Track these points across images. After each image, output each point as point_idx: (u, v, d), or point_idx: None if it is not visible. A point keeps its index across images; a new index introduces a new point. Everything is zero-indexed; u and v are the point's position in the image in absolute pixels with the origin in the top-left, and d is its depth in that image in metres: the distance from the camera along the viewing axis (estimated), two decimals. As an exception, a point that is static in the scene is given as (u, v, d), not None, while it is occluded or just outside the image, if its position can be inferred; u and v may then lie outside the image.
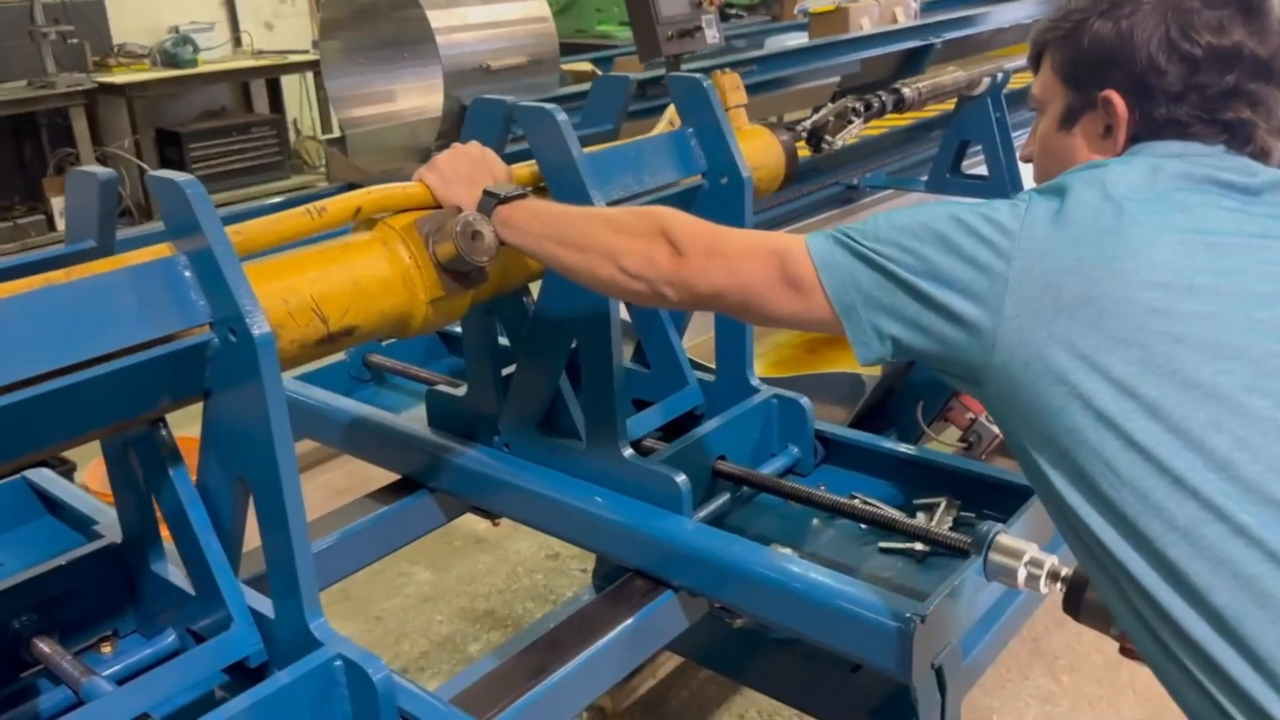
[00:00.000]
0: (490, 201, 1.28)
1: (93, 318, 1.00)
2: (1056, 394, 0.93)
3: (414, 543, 1.84)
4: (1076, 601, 1.20)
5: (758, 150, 1.76)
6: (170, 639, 1.28)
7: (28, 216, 6.05)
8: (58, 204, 6.11)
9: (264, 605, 1.19)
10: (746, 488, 1.63)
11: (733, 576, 1.38)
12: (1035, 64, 1.19)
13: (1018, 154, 1.22)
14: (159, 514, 1.26)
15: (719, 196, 1.64)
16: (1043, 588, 1.26)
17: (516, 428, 1.64)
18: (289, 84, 7.40)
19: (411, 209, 1.33)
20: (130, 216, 6.37)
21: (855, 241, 1.05)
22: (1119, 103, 1.07)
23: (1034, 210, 0.99)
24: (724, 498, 1.61)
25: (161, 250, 1.09)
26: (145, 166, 6.34)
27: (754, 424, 1.70)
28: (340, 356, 2.10)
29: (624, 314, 1.57)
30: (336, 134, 6.86)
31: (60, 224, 6.11)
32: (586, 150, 1.45)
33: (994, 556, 1.28)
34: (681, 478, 1.48)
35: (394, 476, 1.81)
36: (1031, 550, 1.27)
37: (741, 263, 1.10)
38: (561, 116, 1.43)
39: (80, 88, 5.91)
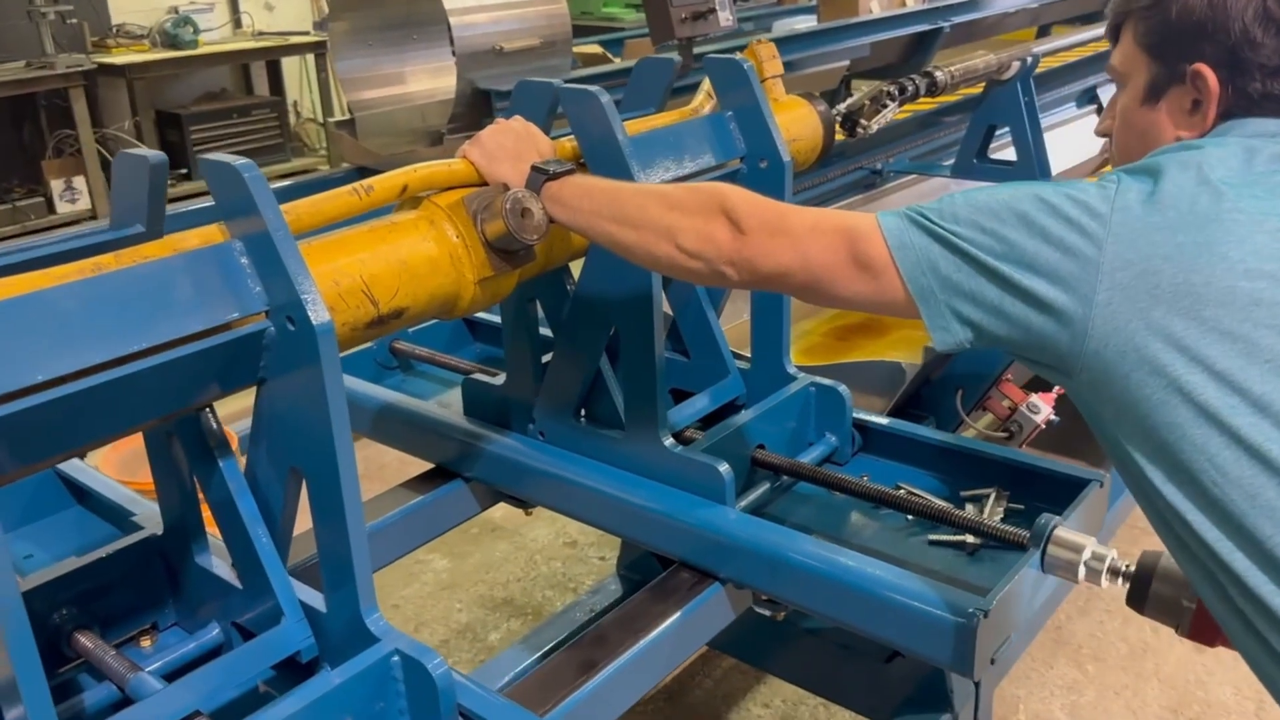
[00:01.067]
0: (539, 178, 1.25)
1: (148, 306, 0.97)
2: (1155, 386, 0.90)
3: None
4: (1142, 596, 1.18)
5: (796, 122, 1.73)
6: (214, 633, 1.26)
7: (27, 199, 6.00)
8: (57, 186, 6.06)
9: (313, 598, 1.17)
10: (785, 477, 1.61)
11: (784, 569, 1.36)
12: (1114, 35, 1.14)
13: (1095, 128, 1.19)
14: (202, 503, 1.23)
15: (758, 180, 1.61)
16: (1104, 583, 1.24)
17: (553, 416, 1.62)
18: (289, 66, 7.34)
19: (457, 186, 1.30)
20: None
21: (931, 221, 1.01)
22: (1210, 77, 1.03)
23: (1125, 192, 0.95)
24: (764, 487, 1.59)
25: (213, 234, 1.06)
26: (144, 146, 6.28)
27: (791, 412, 1.68)
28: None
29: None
30: (338, 116, 6.82)
31: (60, 206, 6.07)
32: (630, 133, 1.43)
33: (1053, 550, 1.26)
34: (725, 467, 1.46)
35: (409, 463, 1.79)
36: (1091, 544, 1.25)
37: (808, 241, 1.06)
38: (605, 98, 1.40)
39: (80, 69, 5.84)
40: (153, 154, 1.08)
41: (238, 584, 1.20)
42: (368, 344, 1.90)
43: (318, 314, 1.01)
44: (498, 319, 2.17)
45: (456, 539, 3.01)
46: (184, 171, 6.40)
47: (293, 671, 1.17)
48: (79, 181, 6.09)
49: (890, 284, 1.02)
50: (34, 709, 0.88)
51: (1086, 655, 2.55)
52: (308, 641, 1.15)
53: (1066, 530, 1.27)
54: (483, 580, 2.91)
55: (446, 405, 1.85)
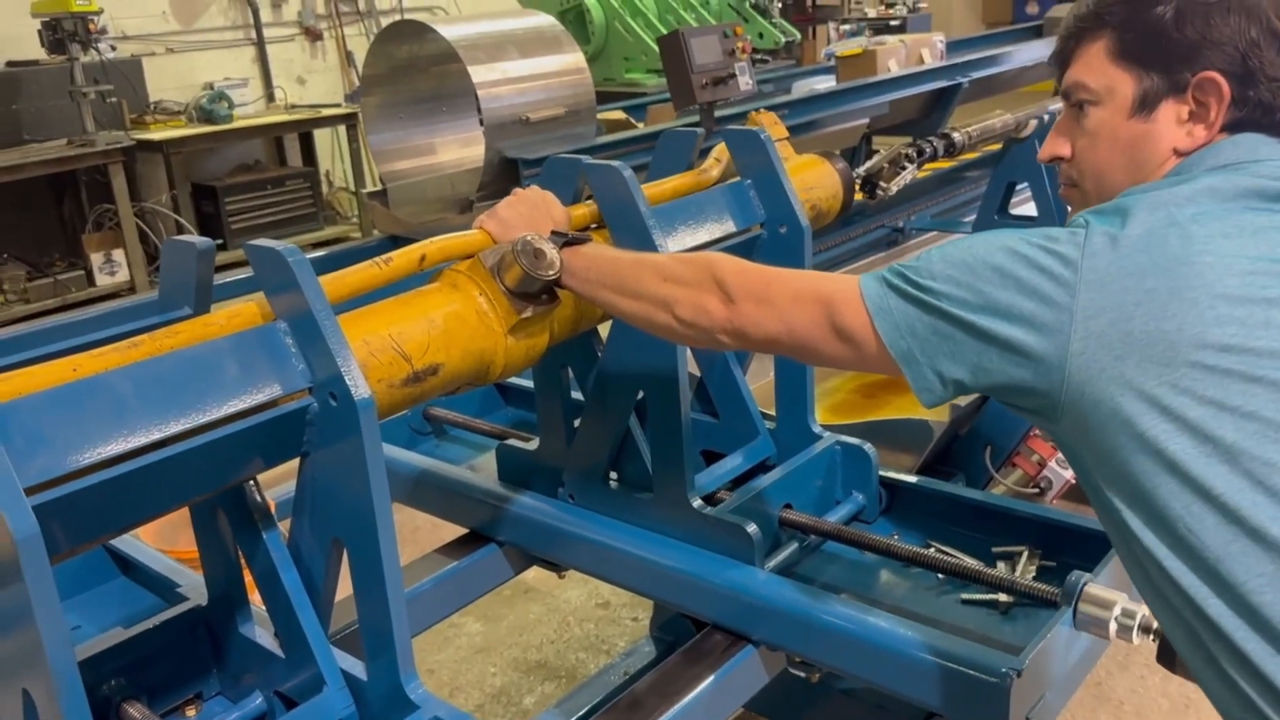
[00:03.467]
0: None
1: (198, 387, 1.01)
2: (1128, 437, 0.91)
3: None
4: (1171, 654, 1.18)
5: (815, 178, 1.77)
6: (257, 701, 1.28)
7: (68, 272, 6.15)
8: (97, 259, 6.21)
9: (354, 666, 1.19)
10: (813, 536, 1.63)
11: (815, 630, 1.37)
12: (1067, 56, 1.11)
13: (1040, 155, 1.18)
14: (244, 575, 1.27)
15: (779, 245, 1.66)
16: (1135, 639, 1.25)
17: (583, 478, 1.65)
18: (321, 137, 7.51)
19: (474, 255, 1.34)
20: (167, 270, 6.44)
21: (909, 283, 1.02)
22: (1222, 84, 1.01)
23: (1094, 236, 0.95)
24: (792, 547, 1.60)
25: (252, 314, 1.11)
26: (183, 221, 6.45)
27: (818, 471, 1.70)
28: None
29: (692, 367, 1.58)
30: (369, 186, 6.97)
31: (100, 279, 6.21)
32: (652, 204, 1.47)
33: (1084, 607, 1.27)
34: (753, 528, 1.48)
35: (442, 526, 1.81)
36: (1122, 601, 1.26)
37: (791, 311, 1.09)
38: (628, 172, 1.45)
39: (119, 145, 6.02)
40: (200, 241, 1.13)
41: (280, 653, 1.23)
42: (405, 411, 1.94)
43: (359, 389, 1.05)
44: (529, 383, 2.22)
45: (490, 601, 3.02)
46: (220, 242, 6.54)
47: (335, 740, 1.19)
48: (118, 255, 6.24)
49: (871, 349, 1.04)
50: (90, 780, 0.91)
51: (1128, 712, 2.52)
52: (349, 710, 1.17)
53: (1098, 587, 1.28)
54: (516, 643, 2.92)
55: (479, 470, 1.88)
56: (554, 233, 1.32)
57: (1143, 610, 1.24)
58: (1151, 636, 1.23)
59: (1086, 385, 0.92)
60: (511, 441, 1.81)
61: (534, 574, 3.04)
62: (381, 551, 1.09)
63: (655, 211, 1.46)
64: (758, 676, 1.47)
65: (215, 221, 6.61)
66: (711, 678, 1.40)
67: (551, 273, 1.27)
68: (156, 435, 0.97)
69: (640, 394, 1.55)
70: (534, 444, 1.75)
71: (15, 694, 0.96)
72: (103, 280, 6.20)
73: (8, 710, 0.99)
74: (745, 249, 1.65)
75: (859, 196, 1.96)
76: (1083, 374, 0.92)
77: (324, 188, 7.50)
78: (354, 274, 1.21)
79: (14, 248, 6.20)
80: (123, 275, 6.26)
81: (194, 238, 1.13)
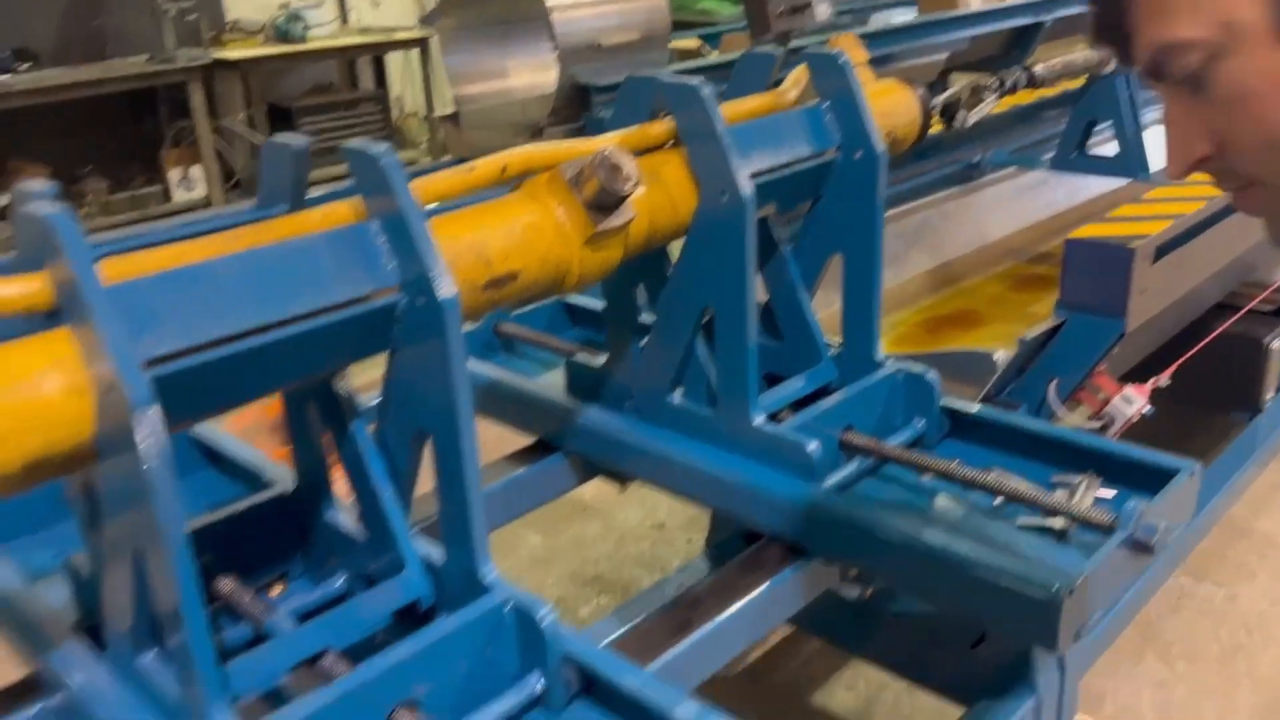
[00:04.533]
0: None
1: (297, 278, 1.07)
2: None
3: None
4: None
5: (894, 104, 1.77)
6: (339, 583, 1.36)
7: (146, 187, 6.32)
8: (174, 175, 6.37)
9: (432, 553, 1.26)
10: (874, 458, 1.66)
11: (870, 542, 1.42)
12: (1122, 12, 0.78)
13: (1174, 172, 0.81)
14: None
15: (853, 171, 1.67)
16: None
17: (649, 393, 1.70)
18: (394, 61, 7.56)
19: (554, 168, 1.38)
20: (242, 189, 6.60)
21: None
22: None
23: None
24: (852, 467, 1.64)
25: (345, 214, 1.16)
26: (258, 140, 6.57)
27: (880, 397, 1.73)
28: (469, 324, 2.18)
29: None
30: (440, 112, 7.00)
31: (176, 194, 6.38)
32: (729, 123, 1.49)
33: (1138, 534, 1.29)
34: (814, 445, 1.52)
35: (506, 444, 1.88)
36: (1178, 530, 1.28)
37: None
38: (707, 90, 1.47)
39: (198, 63, 6.13)
40: (297, 140, 1.18)
41: (363, 538, 1.31)
42: (480, 321, 2.01)
43: (444, 289, 1.10)
44: (596, 304, 2.27)
45: (550, 518, 3.12)
46: (293, 162, 6.65)
47: (410, 623, 1.27)
48: (195, 171, 6.39)
49: None
50: (196, 635, 0.99)
51: (1177, 654, 2.54)
52: (427, 590, 1.25)
53: (1154, 513, 1.30)
54: (574, 557, 3.01)
55: (550, 384, 1.94)
56: None
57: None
58: None
59: None
60: (580, 356, 1.86)
61: (592, 492, 3.13)
62: (463, 442, 1.15)
63: (733, 132, 1.48)
64: (810, 587, 1.52)
65: (289, 142, 6.70)
66: (766, 585, 1.45)
67: (628, 187, 1.30)
68: (258, 321, 1.03)
69: (708, 313, 1.59)
70: (601, 359, 1.80)
71: (125, 557, 1.04)
72: (179, 196, 6.36)
73: (118, 570, 1.08)
74: (820, 173, 1.66)
75: (937, 126, 1.95)
76: None
77: (394, 113, 7.56)
78: (440, 179, 1.26)
79: (96, 162, 6.37)
80: (199, 191, 6.42)
81: (292, 137, 1.18)
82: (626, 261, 1.47)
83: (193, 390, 1.02)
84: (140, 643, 1.12)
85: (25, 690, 1.31)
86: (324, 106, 6.98)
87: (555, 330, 2.27)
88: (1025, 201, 2.80)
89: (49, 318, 1.00)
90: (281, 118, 6.85)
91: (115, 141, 6.50)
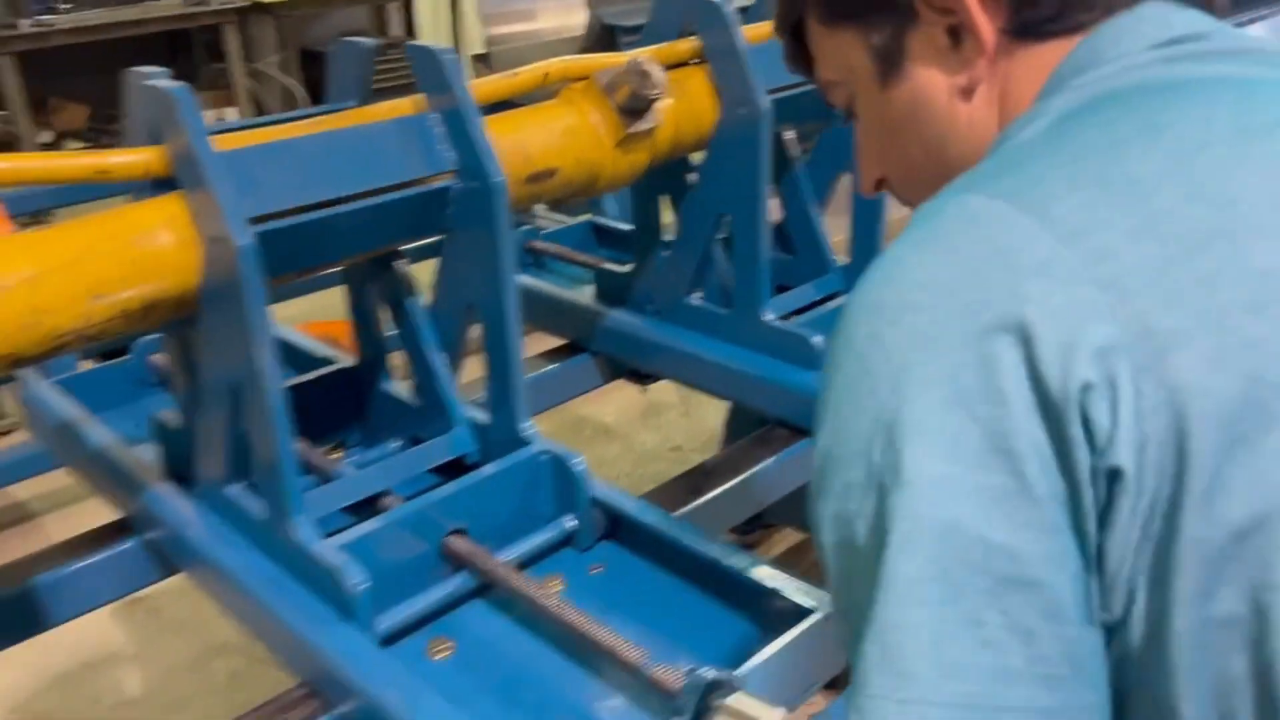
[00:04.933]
0: None
1: (369, 158, 1.24)
2: None
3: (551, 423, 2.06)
4: None
5: None
6: (393, 445, 1.54)
7: (183, 128, 6.47)
8: (209, 116, 6.51)
9: (478, 415, 1.44)
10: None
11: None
12: (796, 51, 0.86)
13: (860, 189, 0.88)
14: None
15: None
16: None
17: (670, 295, 1.86)
18: (422, 6, 7.65)
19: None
20: (274, 131, 6.73)
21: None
22: None
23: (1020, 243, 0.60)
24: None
25: (407, 108, 1.32)
26: (291, 83, 6.71)
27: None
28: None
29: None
30: (469, 53, 7.09)
31: (212, 135, 6.52)
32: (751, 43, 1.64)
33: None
34: (818, 338, 1.68)
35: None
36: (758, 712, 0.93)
37: None
38: (729, 9, 1.61)
39: (233, 5, 6.26)
40: (365, 40, 1.34)
41: (416, 404, 1.48)
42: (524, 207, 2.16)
43: (495, 174, 1.26)
44: (621, 225, 2.43)
45: (572, 437, 3.30)
46: (324, 106, 6.79)
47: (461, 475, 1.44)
48: (230, 113, 6.53)
49: None
50: (285, 455, 1.16)
51: None
52: (473, 446, 1.42)
53: (747, 697, 0.95)
54: (595, 473, 3.18)
55: (577, 292, 2.10)
56: None
57: None
58: None
59: None
60: (607, 265, 2.02)
61: (613, 416, 3.32)
62: (507, 314, 1.32)
63: (752, 49, 1.62)
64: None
65: (321, 87, 6.84)
66: (773, 459, 1.62)
67: (657, 92, 1.46)
68: (337, 193, 1.20)
69: (725, 221, 1.74)
70: (628, 268, 1.96)
71: (222, 396, 1.22)
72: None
73: (213, 411, 1.26)
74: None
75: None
76: None
77: (423, 59, 7.68)
78: (489, 83, 1.42)
79: (133, 102, 6.52)
80: (233, 133, 6.57)
81: (360, 39, 1.34)
82: (652, 171, 1.62)
83: (278, 251, 1.18)
84: (229, 476, 1.30)
85: (119, 529, 1.50)
86: (354, 52, 7.11)
87: (583, 249, 2.43)
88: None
89: (154, 186, 1.17)
90: (314, 62, 6.98)
91: (152, 82, 6.65)
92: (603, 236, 2.47)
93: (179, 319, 1.19)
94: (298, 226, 1.17)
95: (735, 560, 1.23)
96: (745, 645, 1.12)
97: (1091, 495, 0.55)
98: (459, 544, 1.28)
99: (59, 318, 1.05)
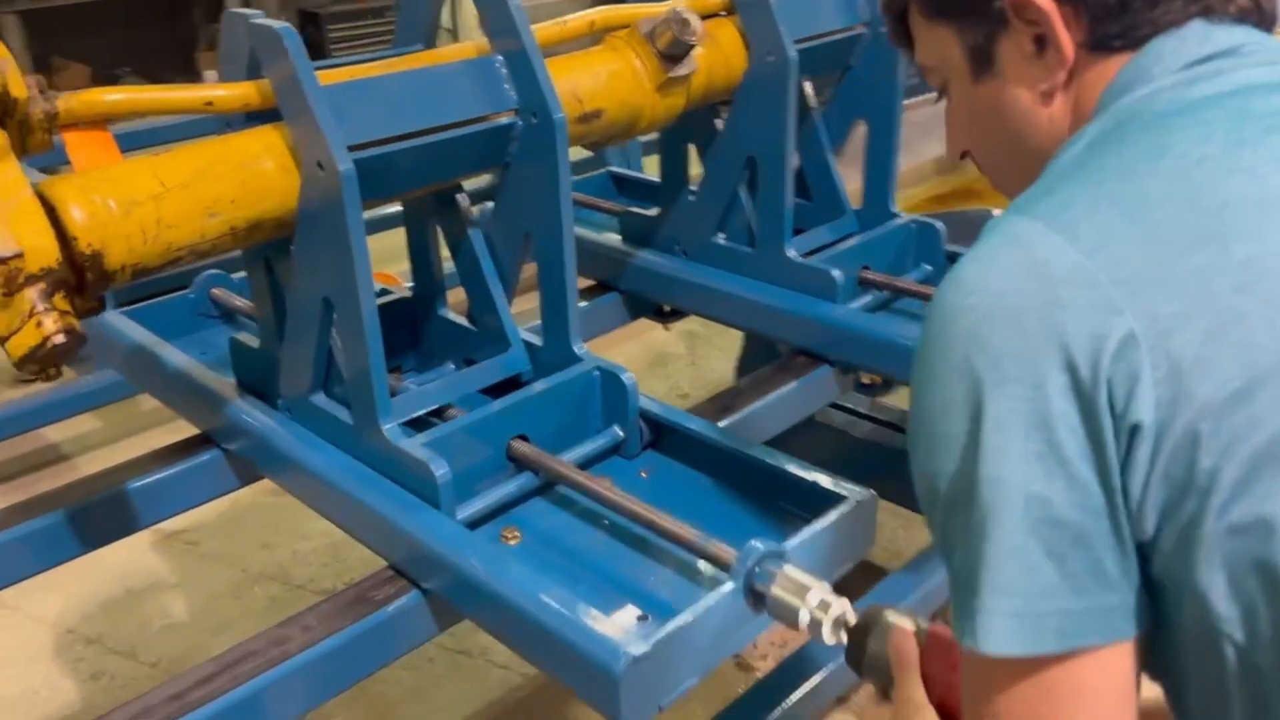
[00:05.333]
0: None
1: (442, 96, 1.36)
2: None
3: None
4: (857, 656, 1.01)
5: None
6: (450, 368, 1.67)
7: (184, 88, 6.53)
8: (210, 77, 6.57)
9: (531, 337, 1.57)
10: (888, 293, 1.93)
11: (883, 347, 1.72)
12: (902, 32, 0.96)
13: (949, 154, 1.00)
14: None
15: (881, 43, 1.93)
16: (828, 638, 1.05)
17: (697, 236, 1.99)
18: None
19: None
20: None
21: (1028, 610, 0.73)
22: None
23: (1045, 255, 0.73)
24: (868, 298, 1.88)
25: (471, 50, 1.45)
26: None
27: (894, 243, 2.01)
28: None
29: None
30: (462, 18, 7.10)
31: (213, 96, 6.57)
32: None
33: (777, 592, 1.09)
34: (838, 272, 1.82)
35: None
36: (819, 590, 1.07)
37: None
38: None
39: (233, -34, 6.30)
40: (433, -12, 1.46)
41: (473, 329, 1.61)
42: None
43: (557, 110, 1.39)
44: (639, 175, 2.55)
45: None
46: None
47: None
48: (230, 73, 6.59)
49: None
50: (376, 359, 1.30)
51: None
52: (528, 365, 1.55)
53: (793, 568, 1.10)
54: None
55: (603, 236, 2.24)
56: None
57: (839, 605, 1.06)
58: (844, 635, 1.04)
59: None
60: (634, 210, 2.15)
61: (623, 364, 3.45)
62: (564, 240, 1.45)
63: (781, 1, 1.74)
64: (829, 389, 1.83)
65: (318, 48, 6.89)
66: (795, 383, 1.76)
67: (694, 37, 1.58)
68: (418, 125, 1.33)
69: (750, 164, 1.87)
70: (653, 212, 2.09)
71: (314, 309, 1.35)
72: (216, 97, 6.56)
73: (303, 325, 1.38)
74: (849, 45, 1.93)
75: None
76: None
77: (419, 21, 7.72)
78: (542, 29, 1.53)
79: (132, 62, 6.57)
80: (234, 94, 6.62)
81: (429, -12, 1.46)
82: (681, 119, 1.75)
83: (365, 179, 1.30)
84: (313, 387, 1.43)
85: (200, 442, 1.63)
86: (352, 14, 7.14)
87: (603, 198, 2.56)
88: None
89: (247, 118, 1.29)
90: (311, 22, 7.03)
91: (151, 43, 6.70)
92: (622, 185, 2.59)
93: (272, 240, 1.32)
94: (384, 156, 1.29)
95: (774, 459, 1.38)
96: (783, 535, 1.26)
97: (1114, 448, 0.70)
98: (522, 447, 1.41)
99: (179, 233, 1.18)
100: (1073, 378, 0.70)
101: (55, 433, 3.16)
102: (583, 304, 2.10)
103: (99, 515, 1.50)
